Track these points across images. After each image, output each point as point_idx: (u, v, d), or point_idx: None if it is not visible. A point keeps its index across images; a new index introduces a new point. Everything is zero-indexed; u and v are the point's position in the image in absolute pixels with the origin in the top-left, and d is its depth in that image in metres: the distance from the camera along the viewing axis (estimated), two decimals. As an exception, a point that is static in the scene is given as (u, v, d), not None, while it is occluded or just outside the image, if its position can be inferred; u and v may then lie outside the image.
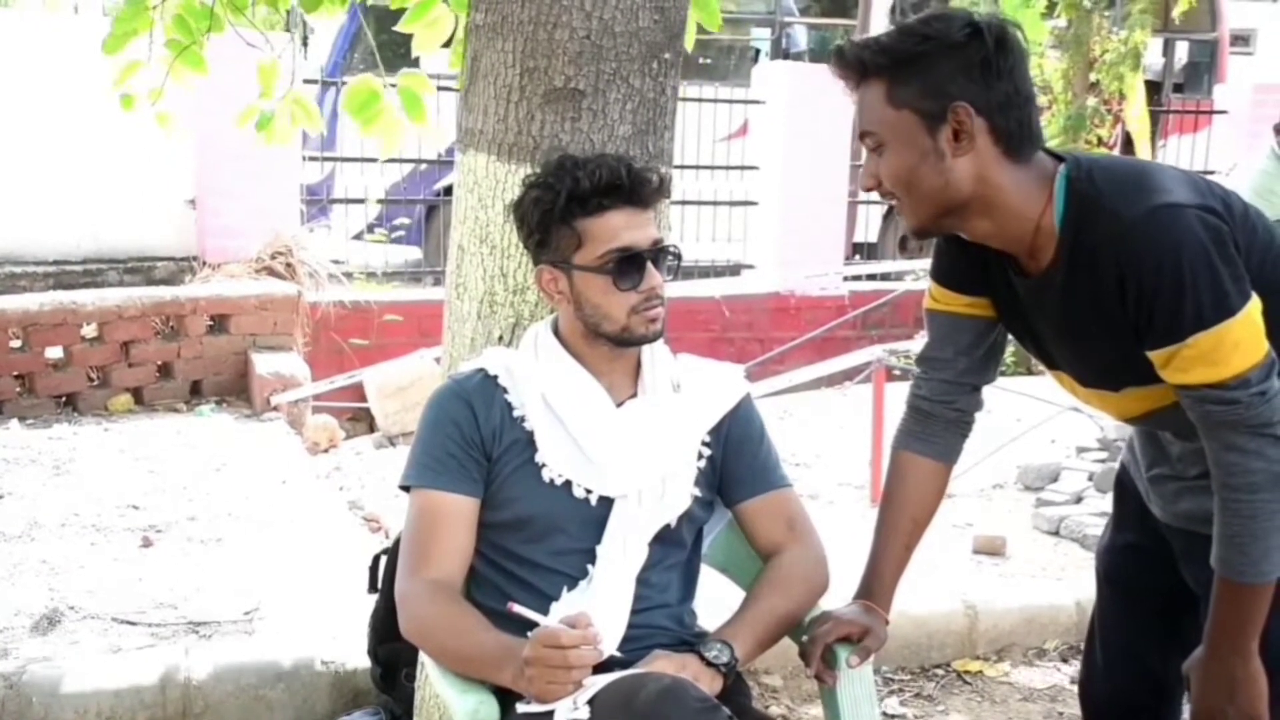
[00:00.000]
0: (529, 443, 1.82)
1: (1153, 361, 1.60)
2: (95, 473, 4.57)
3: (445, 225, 10.36)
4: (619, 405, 1.85)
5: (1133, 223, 1.55)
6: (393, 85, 3.02)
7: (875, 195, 1.72)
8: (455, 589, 1.81)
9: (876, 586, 1.88)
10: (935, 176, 1.61)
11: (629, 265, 1.77)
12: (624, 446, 1.82)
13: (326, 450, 5.63)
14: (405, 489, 1.86)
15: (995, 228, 1.66)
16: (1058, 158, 1.67)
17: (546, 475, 1.81)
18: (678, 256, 1.85)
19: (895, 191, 1.64)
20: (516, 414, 1.84)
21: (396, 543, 2.71)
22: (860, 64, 1.63)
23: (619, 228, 1.77)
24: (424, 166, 8.53)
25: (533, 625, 1.66)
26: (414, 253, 8.55)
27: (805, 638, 1.86)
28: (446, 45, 2.87)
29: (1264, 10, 13.28)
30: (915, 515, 1.90)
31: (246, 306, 5.87)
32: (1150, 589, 1.94)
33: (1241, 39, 12.79)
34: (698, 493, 1.88)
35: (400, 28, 2.88)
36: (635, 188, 1.78)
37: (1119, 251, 1.56)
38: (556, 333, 1.88)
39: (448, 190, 8.90)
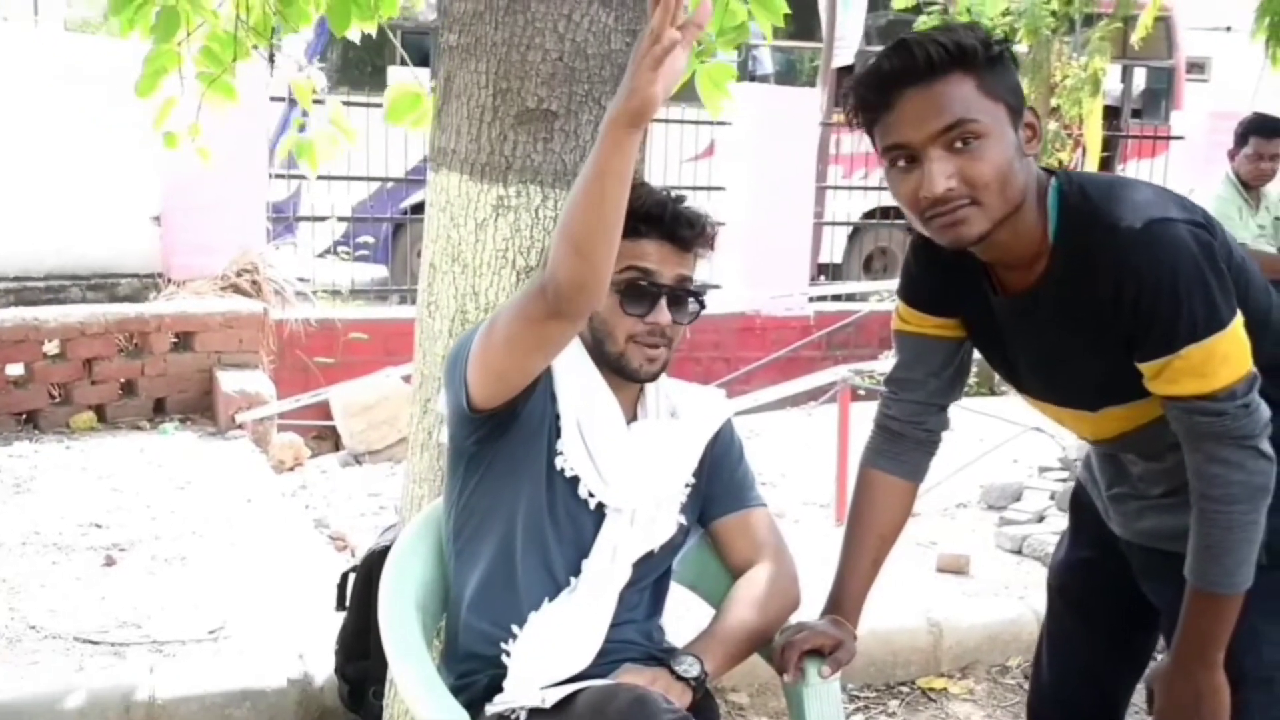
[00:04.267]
0: (555, 425, 1.82)
1: (1143, 373, 1.61)
2: (57, 491, 4.53)
3: (412, 243, 10.38)
4: (628, 424, 1.86)
5: (1131, 235, 1.56)
6: (433, 89, 3.02)
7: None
8: None
9: (845, 602, 1.90)
10: (1021, 173, 1.60)
11: (642, 291, 1.79)
12: (631, 465, 1.83)
13: (292, 468, 5.61)
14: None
15: (1014, 237, 1.63)
16: (1047, 171, 1.68)
17: (559, 464, 1.81)
18: (700, 304, 1.86)
19: (986, 188, 1.56)
20: (554, 390, 1.83)
21: (365, 559, 2.72)
22: (960, 51, 1.55)
23: (645, 254, 1.79)
24: (390, 185, 8.54)
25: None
26: (380, 271, 8.54)
27: (777, 642, 1.87)
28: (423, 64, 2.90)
29: (1219, 39, 13.52)
30: (882, 533, 1.91)
31: (212, 324, 5.84)
32: (1106, 604, 1.96)
33: (1198, 67, 13.03)
34: (683, 520, 1.90)
35: None
36: (674, 225, 1.80)
37: (1117, 263, 1.56)
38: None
39: (414, 209, 8.91)
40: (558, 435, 1.81)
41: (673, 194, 1.84)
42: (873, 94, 1.60)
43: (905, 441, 1.91)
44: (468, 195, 2.09)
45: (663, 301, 1.80)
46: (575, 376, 1.83)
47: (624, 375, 1.83)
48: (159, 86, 3.12)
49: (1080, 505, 2.03)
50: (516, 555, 1.80)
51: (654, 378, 1.85)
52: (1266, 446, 1.59)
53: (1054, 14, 7.96)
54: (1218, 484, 1.59)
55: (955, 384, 1.90)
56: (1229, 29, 12.74)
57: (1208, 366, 1.56)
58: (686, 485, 1.90)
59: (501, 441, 1.80)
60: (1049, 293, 1.65)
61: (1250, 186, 5.00)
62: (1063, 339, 1.68)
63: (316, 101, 3.35)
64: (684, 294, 1.83)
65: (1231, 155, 5.07)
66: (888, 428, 1.92)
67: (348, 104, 3.64)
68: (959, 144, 1.55)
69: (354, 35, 3.16)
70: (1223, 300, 1.55)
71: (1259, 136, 4.95)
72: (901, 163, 1.59)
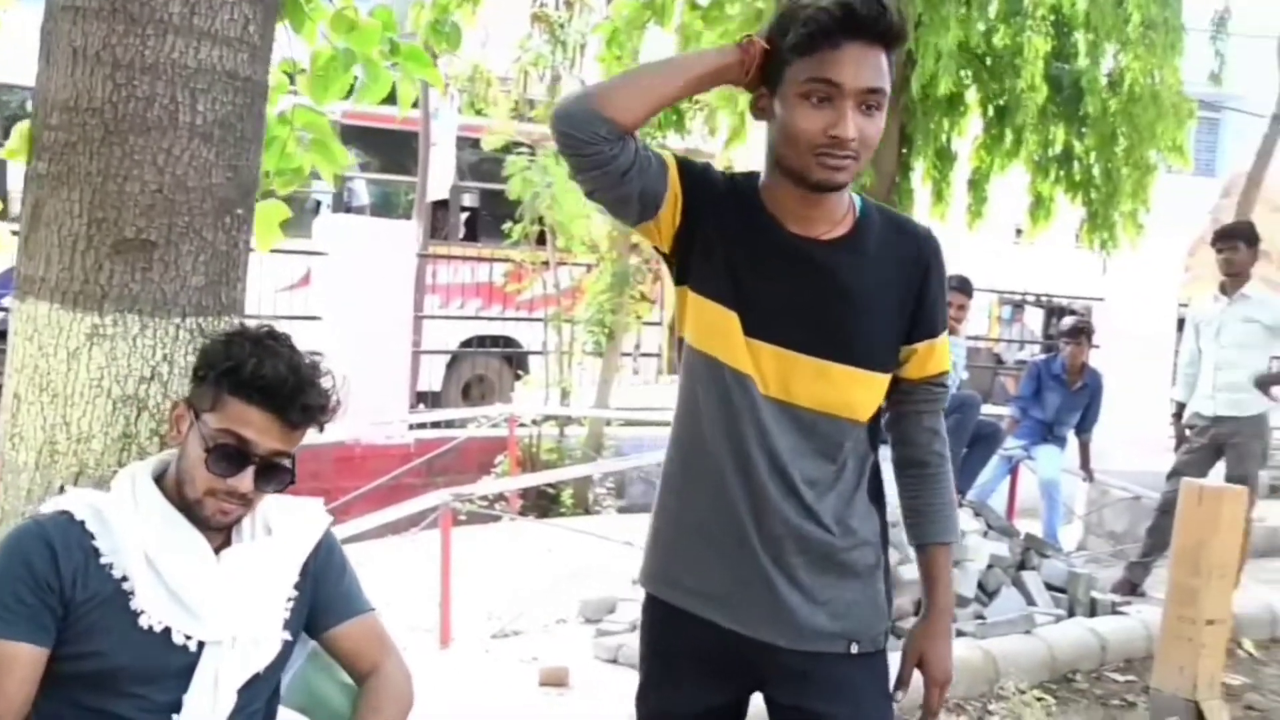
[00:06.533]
0: (118, 591, 1.77)
1: (906, 357, 1.92)
2: None
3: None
4: (217, 552, 1.84)
5: (924, 233, 1.95)
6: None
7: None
8: None
9: None
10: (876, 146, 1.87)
11: (231, 457, 1.78)
12: (222, 594, 1.81)
13: None
14: None
15: (838, 199, 1.87)
16: None
17: (144, 622, 1.76)
18: (292, 478, 1.85)
19: (867, 150, 1.79)
20: (104, 561, 1.77)
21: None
22: (898, 33, 1.78)
23: (248, 422, 1.78)
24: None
25: None
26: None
27: None
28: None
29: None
30: None
31: None
32: None
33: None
34: (288, 636, 1.90)
35: None
36: (285, 408, 1.79)
37: (926, 250, 1.92)
38: (157, 478, 1.86)
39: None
40: (131, 595, 1.78)
41: (304, 366, 1.82)
42: (829, 27, 1.74)
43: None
44: (59, 324, 2.04)
45: (250, 469, 1.80)
46: (144, 526, 1.80)
47: (197, 521, 1.82)
48: None
49: (688, 644, 1.96)
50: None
51: (226, 528, 1.86)
52: None
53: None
54: (946, 448, 1.99)
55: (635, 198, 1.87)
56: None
57: (945, 350, 1.96)
58: (289, 600, 1.91)
59: (65, 629, 1.75)
60: (865, 241, 1.89)
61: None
62: (861, 285, 1.87)
63: None
64: (276, 467, 1.84)
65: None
66: None
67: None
68: (866, 107, 1.78)
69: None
70: None
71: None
72: (815, 99, 1.76)
